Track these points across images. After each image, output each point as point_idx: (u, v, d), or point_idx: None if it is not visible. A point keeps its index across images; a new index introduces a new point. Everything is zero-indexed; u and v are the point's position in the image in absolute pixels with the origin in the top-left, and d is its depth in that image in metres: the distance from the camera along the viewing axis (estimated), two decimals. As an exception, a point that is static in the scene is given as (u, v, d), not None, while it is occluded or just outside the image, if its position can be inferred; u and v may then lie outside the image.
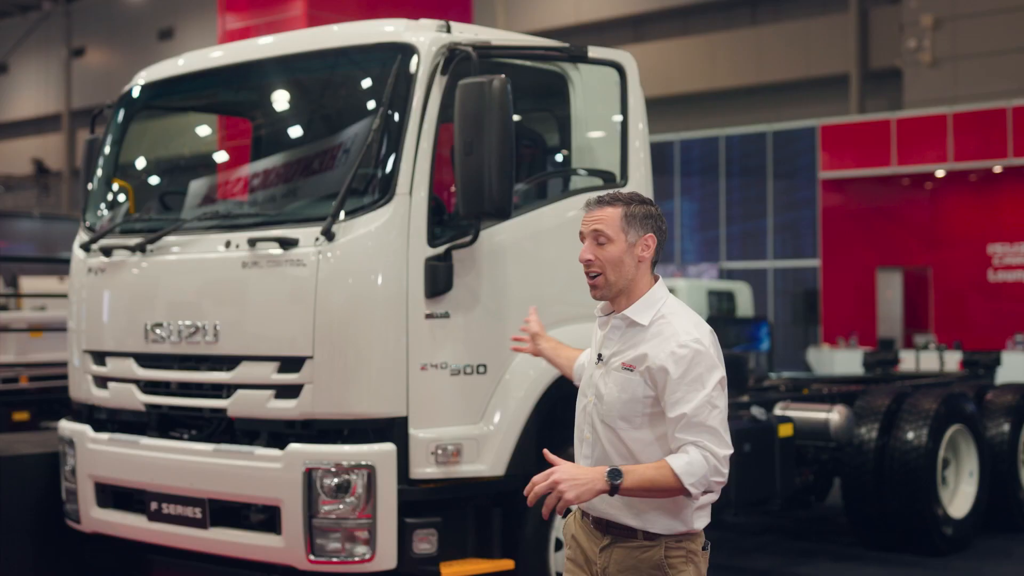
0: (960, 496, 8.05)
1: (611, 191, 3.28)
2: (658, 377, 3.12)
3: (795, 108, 23.54)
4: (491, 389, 5.22)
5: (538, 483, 3.02)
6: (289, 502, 4.93)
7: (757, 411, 7.22)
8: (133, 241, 5.66)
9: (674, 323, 3.18)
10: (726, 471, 3.10)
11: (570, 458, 3.29)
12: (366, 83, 5.50)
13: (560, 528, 4.98)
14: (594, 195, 3.27)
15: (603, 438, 3.22)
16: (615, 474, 3.03)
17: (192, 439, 5.36)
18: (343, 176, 5.05)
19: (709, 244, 23.88)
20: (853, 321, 19.61)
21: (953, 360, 12.17)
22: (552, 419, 5.24)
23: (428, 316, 5.02)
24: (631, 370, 3.16)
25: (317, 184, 5.42)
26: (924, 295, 19.68)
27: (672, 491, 3.07)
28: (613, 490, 3.02)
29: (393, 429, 4.94)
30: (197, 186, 6.17)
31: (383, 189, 4.97)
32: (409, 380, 4.97)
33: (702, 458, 3.06)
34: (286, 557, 4.99)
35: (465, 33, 5.27)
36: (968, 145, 18.09)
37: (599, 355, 3.28)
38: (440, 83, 5.09)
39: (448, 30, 5.21)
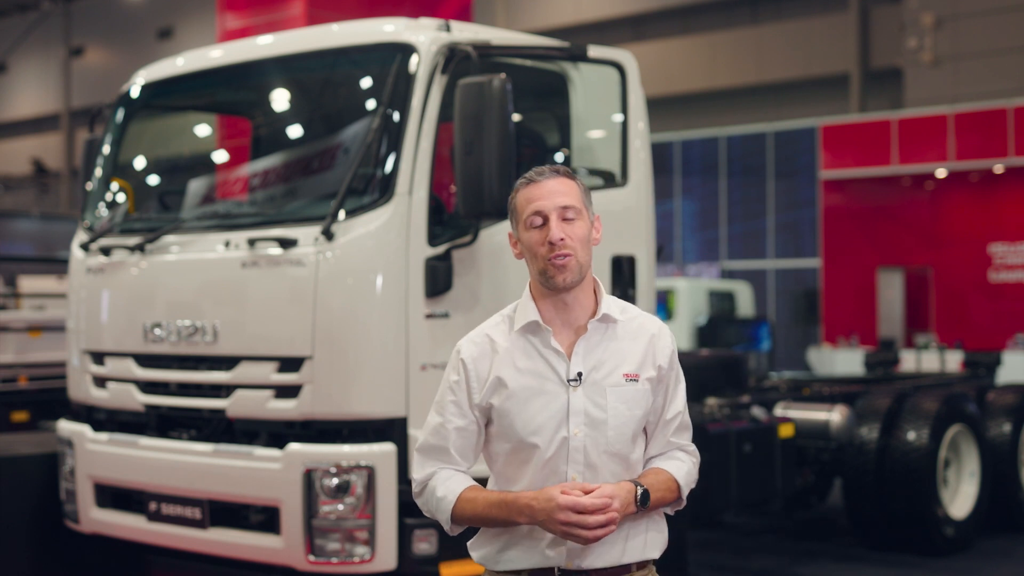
0: (961, 496, 8.04)
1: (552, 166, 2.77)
2: (664, 377, 2.74)
3: (795, 108, 23.51)
4: (491, 389, 5.19)
5: (594, 513, 2.53)
6: (289, 502, 4.92)
7: (758, 411, 7.22)
8: (132, 241, 5.65)
9: (641, 313, 2.80)
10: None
11: None
12: (366, 83, 5.49)
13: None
14: (535, 169, 2.73)
15: (606, 472, 2.67)
16: (646, 493, 2.64)
17: (191, 439, 5.35)
18: (343, 176, 5.04)
19: (709, 244, 23.86)
20: (854, 321, 19.58)
21: (954, 360, 12.17)
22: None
23: (428, 316, 5.01)
24: (635, 380, 2.69)
25: (317, 184, 5.41)
26: (925, 295, 19.64)
27: (668, 504, 2.76)
28: (641, 509, 2.64)
29: (393, 429, 4.93)
30: (196, 186, 6.16)
31: (383, 189, 4.96)
32: (409, 380, 4.96)
33: (693, 465, 2.81)
34: (286, 558, 4.98)
35: (465, 32, 5.26)
36: (969, 145, 18.05)
37: (579, 373, 2.67)
38: (440, 82, 5.07)
39: (448, 29, 5.20)
